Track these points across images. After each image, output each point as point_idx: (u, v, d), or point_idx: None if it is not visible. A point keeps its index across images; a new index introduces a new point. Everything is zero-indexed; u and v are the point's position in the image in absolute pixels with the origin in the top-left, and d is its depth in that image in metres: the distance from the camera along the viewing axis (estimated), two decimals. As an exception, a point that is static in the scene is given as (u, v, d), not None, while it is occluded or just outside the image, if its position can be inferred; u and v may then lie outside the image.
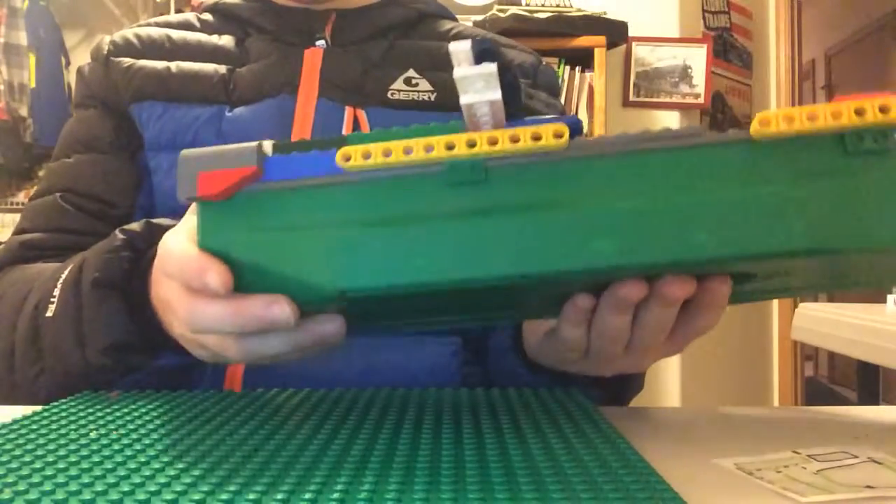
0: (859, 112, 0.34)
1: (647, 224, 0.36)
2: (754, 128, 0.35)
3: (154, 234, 0.56)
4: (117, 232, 0.57)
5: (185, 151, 0.40)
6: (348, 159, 0.36)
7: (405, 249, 0.37)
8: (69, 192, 0.71)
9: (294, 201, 0.38)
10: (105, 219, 0.69)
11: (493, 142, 0.36)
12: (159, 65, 0.72)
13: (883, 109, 0.34)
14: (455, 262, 0.36)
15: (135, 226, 0.58)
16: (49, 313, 0.58)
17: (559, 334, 0.45)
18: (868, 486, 0.36)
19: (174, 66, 0.72)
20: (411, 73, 0.72)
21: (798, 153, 0.36)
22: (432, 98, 0.70)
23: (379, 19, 0.74)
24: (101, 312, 0.55)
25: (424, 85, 0.71)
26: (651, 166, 0.36)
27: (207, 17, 0.78)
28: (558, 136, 0.35)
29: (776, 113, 0.35)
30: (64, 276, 0.58)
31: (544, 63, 0.78)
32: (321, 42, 0.72)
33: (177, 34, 0.75)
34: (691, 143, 0.36)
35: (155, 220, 0.58)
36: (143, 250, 0.55)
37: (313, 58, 0.71)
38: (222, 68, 0.72)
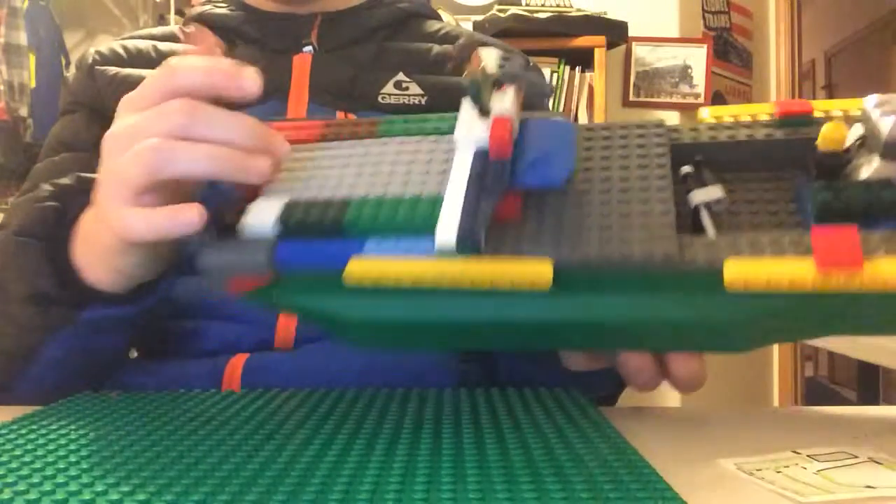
0: (826, 278, 0.36)
1: (611, 335, 0.42)
2: (729, 282, 0.37)
3: (85, 187, 0.52)
4: (46, 183, 0.55)
5: (205, 260, 0.42)
6: (352, 276, 0.39)
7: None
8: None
9: (307, 282, 0.42)
10: None
11: (485, 276, 0.38)
12: (145, 72, 0.73)
13: (850, 279, 0.36)
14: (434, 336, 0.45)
15: (64, 179, 0.55)
16: None
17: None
18: (868, 486, 0.36)
19: None
20: (401, 76, 0.72)
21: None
22: (423, 102, 0.71)
23: (364, 21, 0.74)
24: (22, 261, 0.52)
25: (415, 88, 0.71)
26: (616, 287, 0.40)
27: (189, 30, 0.78)
28: (539, 274, 0.38)
29: (746, 268, 0.37)
30: None
31: (532, 64, 0.79)
32: (308, 48, 0.72)
33: (163, 45, 0.75)
34: (657, 266, 0.39)
35: (85, 175, 0.55)
36: (69, 204, 0.53)
37: (302, 63, 0.71)
38: None
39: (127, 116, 0.45)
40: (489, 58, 0.42)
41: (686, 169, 0.46)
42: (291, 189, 0.44)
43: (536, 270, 0.38)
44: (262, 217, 0.41)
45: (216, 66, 0.44)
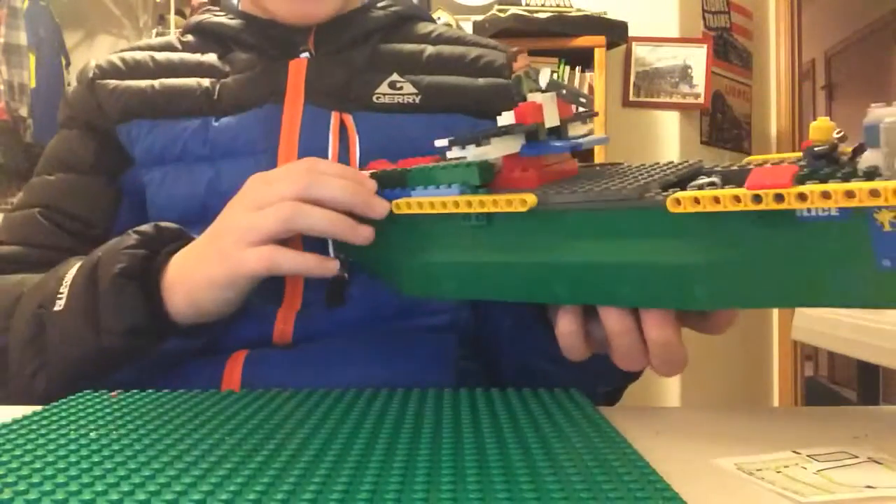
0: (756, 200, 0.39)
1: (588, 277, 0.47)
2: (669, 204, 0.42)
3: (163, 235, 0.62)
4: (130, 232, 0.62)
5: None
6: (398, 206, 0.53)
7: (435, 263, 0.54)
8: (48, 208, 0.72)
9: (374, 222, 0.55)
10: (82, 237, 0.71)
11: (484, 204, 0.49)
12: (143, 83, 0.74)
13: (777, 198, 0.39)
14: (464, 282, 0.54)
15: (145, 227, 0.62)
16: (57, 307, 0.60)
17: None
18: (868, 486, 0.36)
19: (158, 83, 0.73)
20: (395, 76, 0.73)
21: (708, 226, 0.42)
22: (417, 100, 0.71)
23: (360, 26, 0.75)
24: (121, 299, 0.58)
25: (409, 88, 0.72)
26: (588, 227, 0.47)
27: (189, 38, 0.79)
28: (524, 203, 0.47)
29: (689, 195, 0.41)
30: (71, 274, 0.61)
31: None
32: (305, 54, 0.73)
33: (160, 55, 0.76)
34: (620, 206, 0.45)
35: (162, 224, 0.63)
36: (155, 250, 0.61)
37: (298, 68, 0.72)
38: (206, 81, 0.73)
39: (255, 185, 0.58)
40: (544, 73, 0.54)
41: (702, 176, 0.50)
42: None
43: (520, 198, 0.47)
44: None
45: (357, 192, 0.55)
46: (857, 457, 0.40)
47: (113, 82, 0.74)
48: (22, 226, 0.72)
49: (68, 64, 2.92)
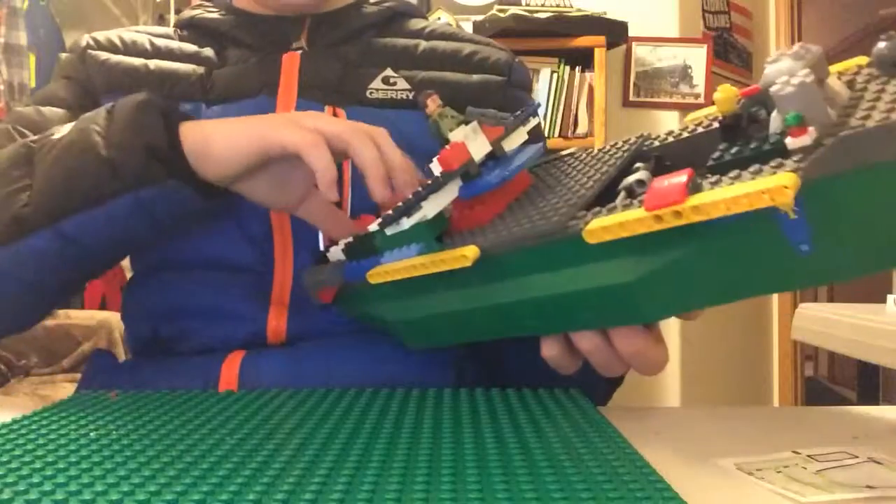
0: (657, 220, 0.39)
1: (545, 309, 0.48)
2: (586, 236, 0.42)
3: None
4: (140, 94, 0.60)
5: (304, 277, 0.62)
6: (373, 276, 0.54)
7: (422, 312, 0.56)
8: (26, 127, 0.70)
9: (363, 291, 0.58)
10: None
11: (436, 263, 0.50)
12: (137, 61, 0.73)
13: (676, 215, 0.39)
14: (453, 330, 0.55)
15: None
16: (58, 135, 0.60)
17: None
18: (868, 486, 0.36)
19: (152, 63, 0.73)
20: (389, 72, 0.72)
21: (632, 245, 0.42)
22: (410, 96, 0.71)
23: (354, 21, 0.75)
24: (138, 118, 0.58)
25: (402, 84, 0.72)
26: (529, 264, 0.47)
27: (184, 33, 0.78)
28: (465, 258, 0.48)
29: (597, 226, 0.42)
30: (79, 120, 0.61)
31: (517, 60, 0.79)
32: (299, 48, 0.73)
33: (159, 40, 0.76)
34: (549, 240, 0.46)
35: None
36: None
37: (291, 61, 0.71)
38: (200, 69, 0.72)
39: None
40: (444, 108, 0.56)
41: (637, 165, 0.50)
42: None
43: (462, 254, 0.48)
44: (338, 250, 0.60)
45: (400, 165, 0.55)
46: (857, 457, 0.40)
47: (105, 54, 0.74)
48: None
49: (68, 64, 2.91)
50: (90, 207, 0.57)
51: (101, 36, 0.76)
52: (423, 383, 0.58)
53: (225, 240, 0.66)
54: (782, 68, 0.42)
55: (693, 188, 0.39)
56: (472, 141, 0.53)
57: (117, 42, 0.76)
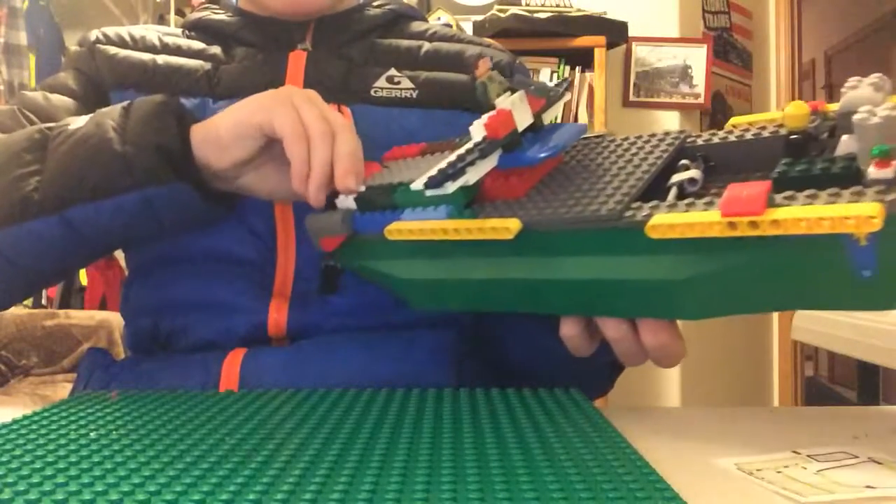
0: (731, 227, 0.40)
1: (580, 292, 0.49)
2: (648, 230, 0.42)
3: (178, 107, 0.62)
4: (155, 97, 0.62)
5: (307, 221, 0.60)
6: (391, 232, 0.53)
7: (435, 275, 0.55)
8: (31, 111, 0.70)
9: (374, 245, 0.57)
10: None
11: (471, 231, 0.49)
12: (145, 56, 0.74)
13: (752, 225, 0.39)
14: (466, 297, 0.55)
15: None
16: (74, 126, 0.61)
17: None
18: (868, 486, 0.36)
19: (160, 58, 0.73)
20: (393, 71, 0.73)
21: (689, 244, 0.43)
22: (414, 95, 0.72)
23: (357, 23, 0.76)
24: (155, 118, 0.59)
25: (406, 83, 0.73)
26: (574, 246, 0.47)
27: (191, 34, 0.79)
28: (508, 230, 0.48)
29: (665, 221, 0.42)
30: (95, 114, 0.62)
31: (518, 62, 0.80)
32: (304, 49, 0.73)
33: (167, 37, 0.77)
34: (601, 226, 0.46)
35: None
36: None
37: (297, 60, 0.72)
38: (207, 65, 0.73)
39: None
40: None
41: (684, 162, 0.50)
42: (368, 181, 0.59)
43: (505, 226, 0.48)
44: (348, 199, 0.58)
45: (356, 162, 0.56)
46: (857, 457, 0.40)
47: (114, 49, 0.75)
48: (2, 114, 0.71)
49: (68, 64, 2.91)
50: (99, 199, 0.58)
51: (110, 31, 0.77)
52: (423, 382, 0.58)
53: (228, 233, 0.67)
54: (863, 97, 0.42)
55: (769, 201, 0.40)
56: (518, 110, 0.52)
57: (126, 37, 0.76)
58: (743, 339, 2.85)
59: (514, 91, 0.53)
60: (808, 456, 0.41)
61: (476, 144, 0.50)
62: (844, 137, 0.42)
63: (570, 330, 0.52)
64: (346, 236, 0.58)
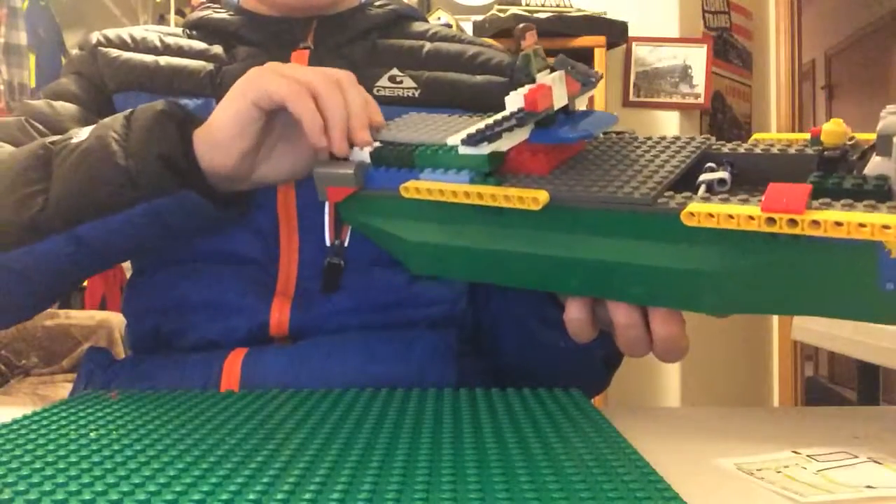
0: (770, 222, 0.40)
1: (600, 274, 0.48)
2: (684, 217, 0.42)
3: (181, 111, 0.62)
4: (158, 104, 0.61)
5: (315, 170, 0.58)
6: (407, 190, 0.52)
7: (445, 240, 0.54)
8: (37, 121, 0.70)
9: (384, 201, 0.56)
10: None
11: (496, 198, 0.49)
12: (147, 58, 0.74)
13: (791, 223, 0.40)
14: (472, 266, 0.53)
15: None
16: (77, 140, 0.60)
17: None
18: (868, 486, 0.36)
19: (163, 60, 0.73)
20: (395, 71, 0.73)
21: (720, 236, 0.43)
22: (416, 94, 0.72)
23: (359, 23, 0.76)
24: (157, 129, 0.59)
25: (408, 82, 0.73)
26: (601, 226, 0.47)
27: (193, 33, 0.79)
28: (536, 201, 0.47)
29: (703, 209, 0.42)
30: (97, 126, 0.61)
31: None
32: (306, 48, 0.73)
33: (169, 38, 0.77)
34: (632, 209, 0.46)
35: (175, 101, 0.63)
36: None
37: (299, 59, 0.72)
38: (210, 65, 0.73)
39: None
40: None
41: (711, 165, 0.51)
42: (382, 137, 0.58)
43: (534, 196, 0.47)
44: (363, 152, 0.57)
45: (356, 112, 0.56)
46: (857, 457, 0.40)
47: (116, 51, 0.75)
48: (6, 127, 0.70)
49: (68, 64, 2.91)
50: (106, 215, 0.58)
51: (111, 33, 0.77)
52: (423, 382, 0.58)
53: (232, 233, 0.67)
54: None
55: (808, 203, 0.40)
56: (557, 88, 0.52)
57: (127, 39, 0.76)
58: (743, 339, 2.85)
59: (553, 70, 0.53)
60: (808, 456, 0.41)
61: (513, 114, 0.49)
62: (876, 158, 0.43)
63: (576, 312, 0.51)
64: (354, 189, 0.57)
